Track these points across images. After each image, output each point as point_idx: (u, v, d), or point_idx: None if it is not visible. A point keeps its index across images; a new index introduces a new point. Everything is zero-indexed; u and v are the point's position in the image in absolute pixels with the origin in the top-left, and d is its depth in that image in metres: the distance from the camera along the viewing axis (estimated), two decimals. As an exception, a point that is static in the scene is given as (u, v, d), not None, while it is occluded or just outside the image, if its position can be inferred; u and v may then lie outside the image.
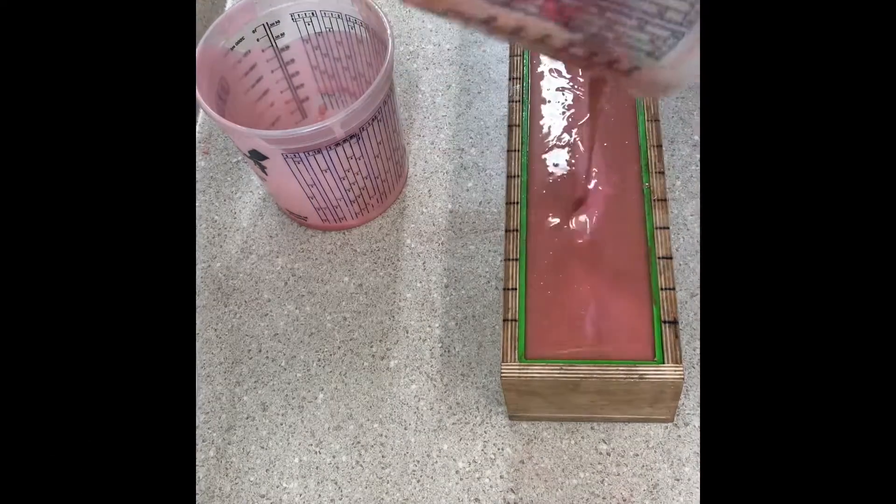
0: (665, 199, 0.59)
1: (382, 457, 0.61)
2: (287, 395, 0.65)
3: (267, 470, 0.62)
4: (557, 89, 0.66)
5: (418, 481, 0.60)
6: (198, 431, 0.64)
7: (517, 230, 0.59)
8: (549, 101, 0.65)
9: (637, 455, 0.59)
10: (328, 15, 0.68)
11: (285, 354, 0.67)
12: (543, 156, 0.62)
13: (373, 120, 0.63)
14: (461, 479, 0.60)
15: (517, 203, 0.60)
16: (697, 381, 0.62)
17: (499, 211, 0.72)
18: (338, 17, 0.68)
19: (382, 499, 0.60)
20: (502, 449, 0.61)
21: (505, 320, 0.56)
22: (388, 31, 0.63)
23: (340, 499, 0.60)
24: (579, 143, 0.63)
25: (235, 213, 0.75)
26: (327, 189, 0.66)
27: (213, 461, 0.63)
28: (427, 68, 0.82)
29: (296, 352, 0.67)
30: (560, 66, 0.67)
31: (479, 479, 0.60)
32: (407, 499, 0.60)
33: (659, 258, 0.57)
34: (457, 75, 0.81)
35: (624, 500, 0.58)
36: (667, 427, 0.60)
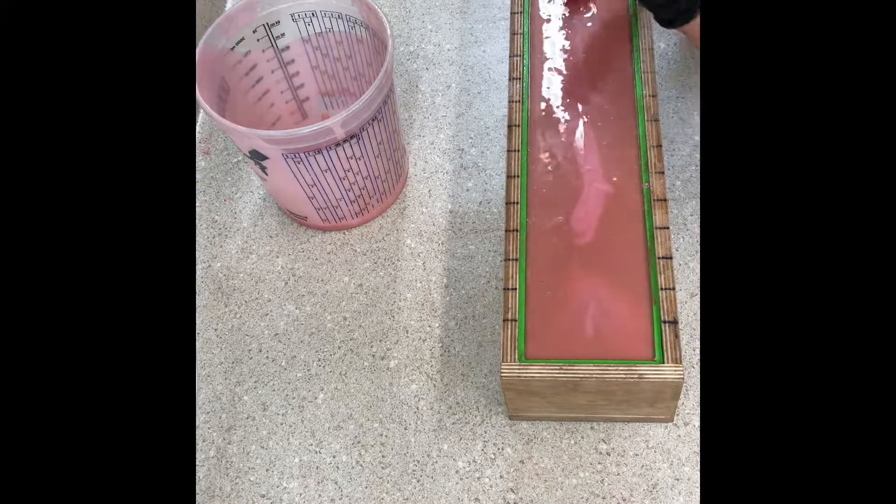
0: (665, 199, 0.59)
1: (382, 457, 0.61)
2: (287, 395, 0.65)
3: (267, 470, 0.62)
4: (558, 89, 0.66)
5: (418, 481, 0.60)
6: (198, 431, 0.64)
7: (517, 230, 0.59)
8: (549, 101, 0.65)
9: (637, 455, 0.59)
10: (328, 15, 0.69)
11: (285, 354, 0.67)
12: (543, 156, 0.62)
13: (373, 120, 0.63)
14: (461, 479, 0.60)
15: (517, 203, 0.60)
16: (697, 381, 0.62)
17: (499, 211, 0.72)
18: (338, 18, 0.68)
19: (382, 499, 0.60)
20: (502, 449, 0.61)
21: (505, 320, 0.56)
22: (388, 31, 0.63)
23: (340, 499, 0.60)
24: (579, 142, 0.63)
25: (235, 213, 0.75)
26: (327, 189, 0.66)
27: (213, 461, 0.63)
28: (427, 68, 0.82)
29: (296, 352, 0.67)
30: (560, 66, 0.67)
31: (479, 478, 0.60)
32: (407, 499, 0.60)
33: (659, 258, 0.57)
34: (457, 75, 0.81)
35: (624, 500, 0.58)
36: (667, 427, 0.60)
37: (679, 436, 0.60)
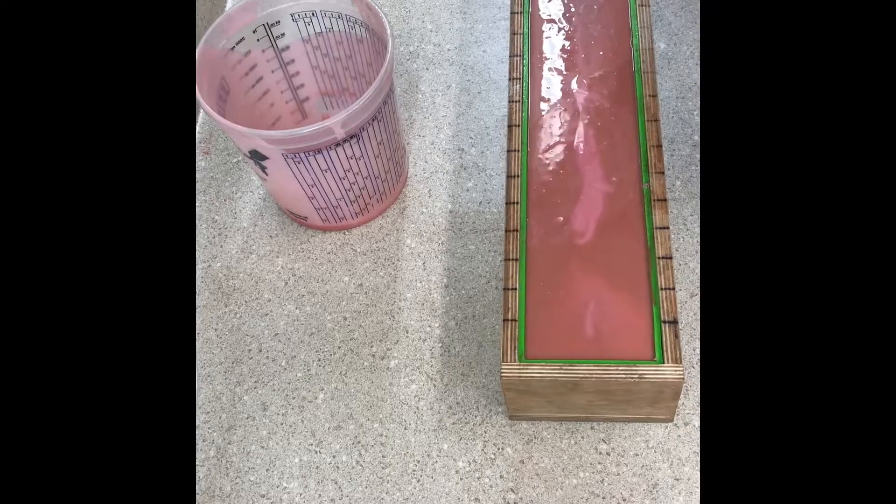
0: (665, 199, 0.59)
1: (382, 457, 0.62)
2: (287, 395, 0.65)
3: (267, 470, 0.62)
4: (557, 89, 0.66)
5: (418, 481, 0.60)
6: (198, 431, 0.64)
7: (517, 230, 0.59)
8: (549, 101, 0.65)
9: (637, 455, 0.59)
10: (328, 15, 0.69)
11: (285, 354, 0.67)
12: (543, 156, 0.62)
13: (373, 120, 0.63)
14: (461, 479, 0.60)
15: (517, 203, 0.60)
16: (697, 381, 0.62)
17: (499, 211, 0.72)
18: (338, 18, 0.68)
19: (382, 499, 0.60)
20: (502, 449, 0.61)
21: (505, 320, 0.56)
22: (388, 31, 0.63)
23: (340, 499, 0.60)
24: (579, 142, 0.63)
25: (235, 213, 0.75)
26: (327, 189, 0.66)
27: (213, 461, 0.63)
28: (427, 68, 0.82)
29: (296, 352, 0.67)
30: (560, 66, 0.67)
31: (479, 478, 0.60)
32: (407, 499, 0.60)
33: (659, 258, 0.57)
34: (457, 75, 0.81)
35: (624, 500, 0.58)
36: (667, 427, 0.60)
37: (679, 436, 0.60)
